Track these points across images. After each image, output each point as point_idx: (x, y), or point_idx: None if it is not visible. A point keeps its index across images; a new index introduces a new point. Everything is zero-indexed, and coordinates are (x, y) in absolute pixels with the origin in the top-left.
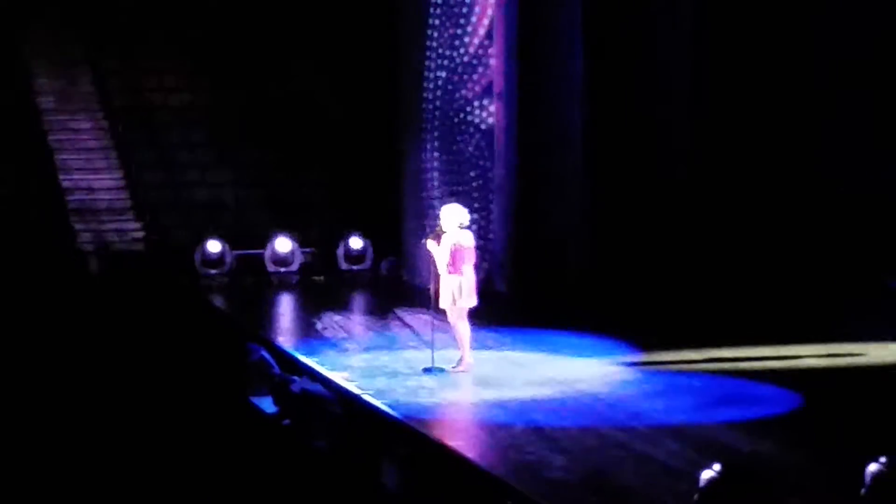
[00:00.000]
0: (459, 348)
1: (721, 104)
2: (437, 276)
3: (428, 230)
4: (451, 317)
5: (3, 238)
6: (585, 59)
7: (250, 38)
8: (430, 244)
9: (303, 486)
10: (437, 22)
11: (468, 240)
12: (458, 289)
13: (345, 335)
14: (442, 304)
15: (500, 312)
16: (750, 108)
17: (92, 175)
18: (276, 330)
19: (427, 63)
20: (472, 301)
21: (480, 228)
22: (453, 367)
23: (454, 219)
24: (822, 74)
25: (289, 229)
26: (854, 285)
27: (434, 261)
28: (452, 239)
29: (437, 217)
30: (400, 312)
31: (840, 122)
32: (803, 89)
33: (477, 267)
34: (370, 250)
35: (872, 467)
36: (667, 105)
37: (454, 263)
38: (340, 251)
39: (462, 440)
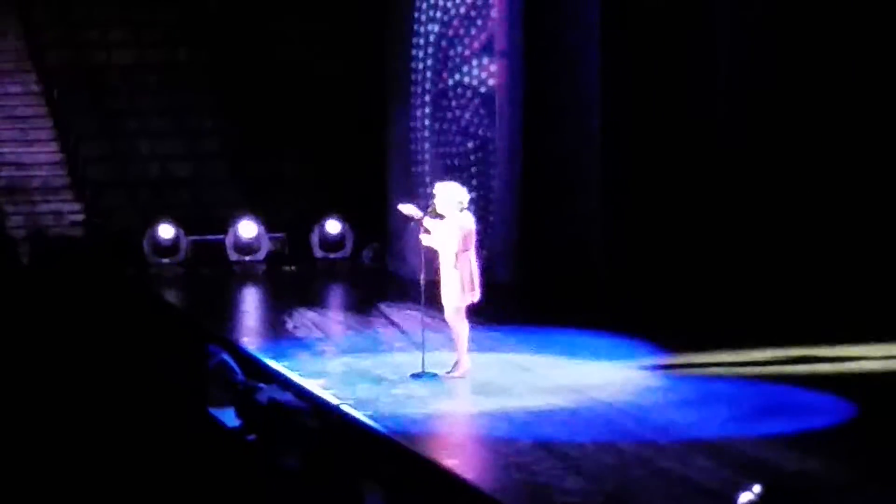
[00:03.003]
0: (455, 350)
1: (761, 70)
2: (429, 266)
3: (412, 210)
4: (448, 314)
5: None
6: (602, 7)
7: None
8: (427, 226)
9: None
10: None
11: (469, 224)
12: (461, 281)
13: (320, 335)
14: (444, 300)
15: (503, 308)
16: (792, 80)
17: (23, 148)
18: (240, 329)
19: (417, 16)
20: (475, 295)
21: (479, 209)
22: (448, 373)
23: (451, 199)
24: (865, 58)
25: (255, 211)
26: None
27: (426, 248)
28: (454, 222)
29: (430, 197)
30: (385, 308)
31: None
32: (851, 68)
33: (477, 254)
34: (350, 236)
35: (745, 497)
36: (704, 57)
37: (465, 250)
38: (315, 237)
39: (458, 458)
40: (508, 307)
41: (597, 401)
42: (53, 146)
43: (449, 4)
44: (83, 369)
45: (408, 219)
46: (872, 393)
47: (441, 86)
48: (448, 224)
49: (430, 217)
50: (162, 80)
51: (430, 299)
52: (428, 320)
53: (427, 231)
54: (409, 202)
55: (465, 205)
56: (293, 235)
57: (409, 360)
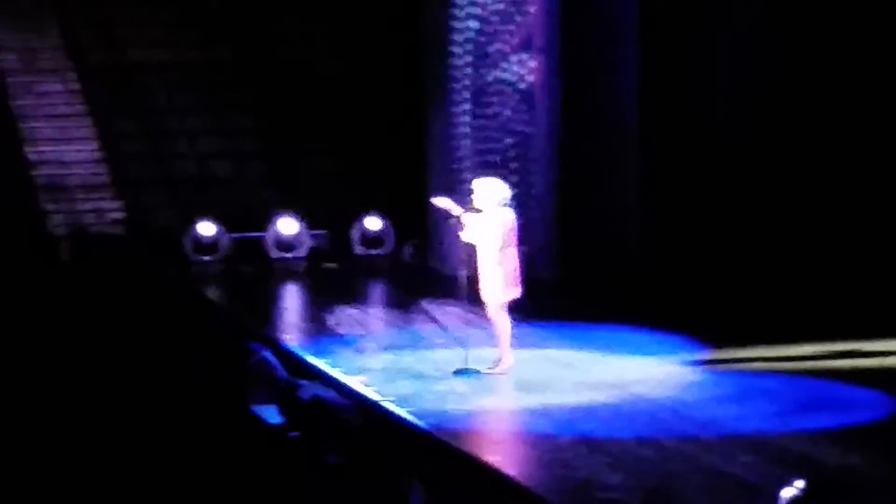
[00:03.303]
0: (497, 346)
1: (797, 70)
2: (471, 262)
3: (448, 204)
4: (491, 310)
5: None
6: (641, 4)
7: None
8: (465, 221)
9: None
10: None
11: (511, 219)
12: (503, 277)
13: (361, 332)
14: (486, 296)
15: (543, 304)
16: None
17: (63, 146)
18: (281, 327)
19: (454, 12)
20: (516, 291)
21: (520, 205)
22: (490, 369)
23: (491, 195)
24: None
25: (295, 208)
26: None
27: (467, 244)
28: (496, 217)
29: (469, 193)
30: (426, 305)
31: None
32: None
33: (517, 250)
34: (390, 232)
35: (787, 493)
36: (746, 52)
37: (507, 246)
38: (355, 234)
39: (500, 454)
40: (549, 303)
41: (638, 396)
42: (93, 144)
43: (487, 0)
44: (124, 367)
45: (443, 213)
46: None
47: (480, 82)
48: (490, 219)
49: (468, 213)
50: (200, 79)
51: (471, 295)
52: (469, 316)
53: (465, 227)
54: (446, 198)
55: (507, 200)
56: (334, 232)
57: (451, 357)
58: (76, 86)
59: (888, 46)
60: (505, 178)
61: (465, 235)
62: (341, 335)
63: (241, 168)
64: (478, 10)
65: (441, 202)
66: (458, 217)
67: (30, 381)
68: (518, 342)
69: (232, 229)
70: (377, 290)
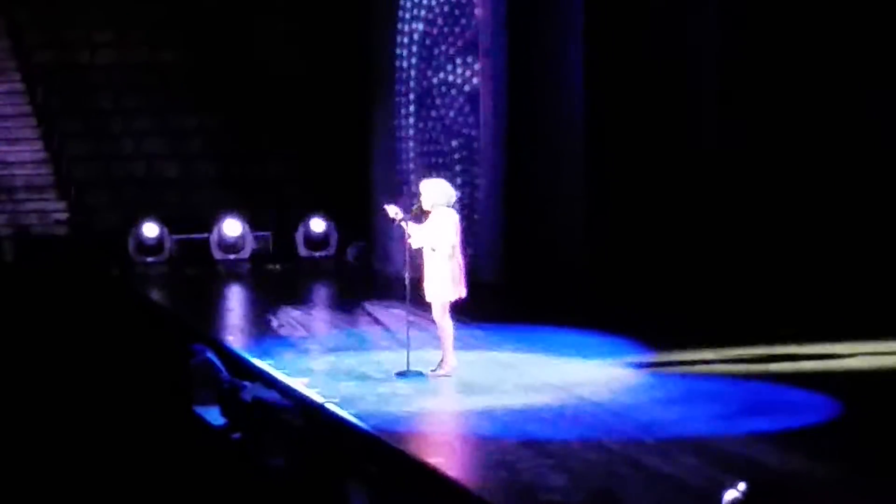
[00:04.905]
0: (441, 348)
1: (746, 70)
2: (414, 263)
3: (402, 207)
4: (436, 310)
5: None
6: (587, 7)
7: None
8: (412, 227)
9: None
10: None
11: (454, 221)
12: (448, 276)
13: (305, 334)
14: (429, 297)
15: (487, 306)
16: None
17: (7, 147)
18: (225, 328)
19: (401, 14)
20: (461, 291)
21: (464, 207)
22: (433, 371)
23: (437, 196)
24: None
25: (239, 210)
26: None
27: (411, 244)
28: (448, 215)
29: (414, 195)
30: (369, 306)
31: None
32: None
33: (462, 252)
34: (334, 234)
35: (729, 495)
36: (686, 58)
37: (455, 245)
38: (299, 235)
39: (443, 456)
40: (493, 305)
41: (582, 399)
42: (38, 145)
43: (433, 3)
44: (66, 368)
45: (393, 220)
46: (857, 391)
47: (425, 84)
48: (438, 220)
49: (415, 215)
50: (146, 79)
51: (414, 297)
52: (413, 318)
53: (412, 232)
54: (393, 201)
55: (452, 202)
56: (278, 234)
57: (394, 359)
58: (20, 86)
59: (847, 39)
60: (449, 181)
61: (414, 241)
62: (285, 337)
63: (186, 169)
64: (423, 12)
65: (391, 210)
66: (403, 221)
67: None
68: (462, 344)
69: (176, 231)
70: (321, 292)
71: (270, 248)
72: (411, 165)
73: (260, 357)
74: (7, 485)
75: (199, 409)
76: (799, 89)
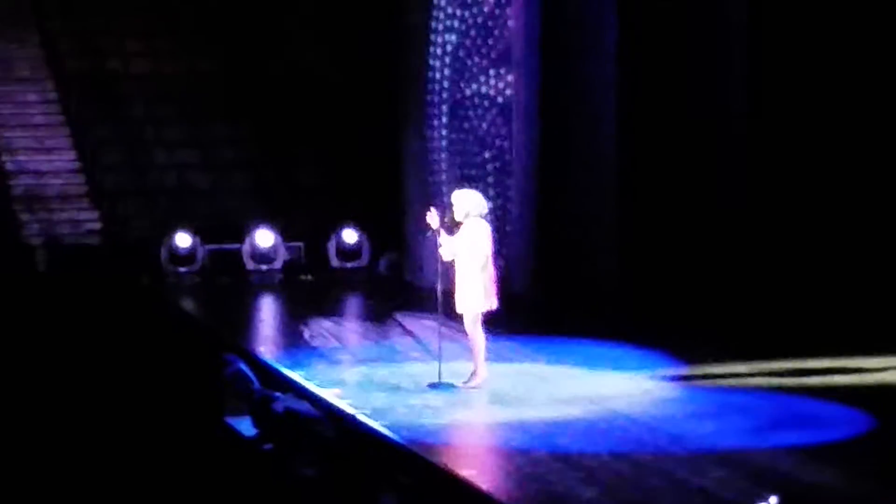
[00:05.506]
0: (472, 360)
1: (780, 86)
2: (447, 274)
3: (435, 220)
4: (468, 322)
5: None
6: (620, 19)
7: None
8: (444, 238)
9: None
10: None
11: (487, 232)
12: (479, 289)
13: (336, 345)
14: (460, 308)
15: (519, 318)
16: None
17: (40, 156)
18: (257, 338)
19: (434, 25)
20: (493, 302)
21: (497, 219)
22: (464, 383)
23: (469, 207)
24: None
25: (272, 220)
26: None
27: (442, 256)
28: (482, 226)
29: (447, 206)
30: (401, 318)
31: None
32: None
33: (493, 263)
34: (366, 245)
35: None
36: (718, 77)
37: (487, 256)
38: (332, 246)
39: (474, 468)
40: (525, 317)
41: (613, 411)
42: (71, 154)
43: (466, 14)
44: (98, 378)
45: (429, 228)
46: (890, 405)
47: (458, 95)
48: (475, 228)
49: (447, 226)
50: (179, 89)
51: (446, 309)
52: (444, 330)
53: (443, 243)
54: (426, 211)
55: (484, 213)
56: (310, 245)
57: (426, 370)
58: (54, 95)
59: (879, 90)
60: (482, 192)
61: (446, 253)
62: (316, 347)
63: (218, 179)
64: (456, 24)
65: (431, 218)
66: (437, 231)
67: (4, 390)
68: (493, 356)
69: (208, 241)
70: (353, 303)
71: (302, 258)
72: (444, 177)
73: (292, 368)
74: (40, 491)
75: (231, 420)
76: (829, 104)
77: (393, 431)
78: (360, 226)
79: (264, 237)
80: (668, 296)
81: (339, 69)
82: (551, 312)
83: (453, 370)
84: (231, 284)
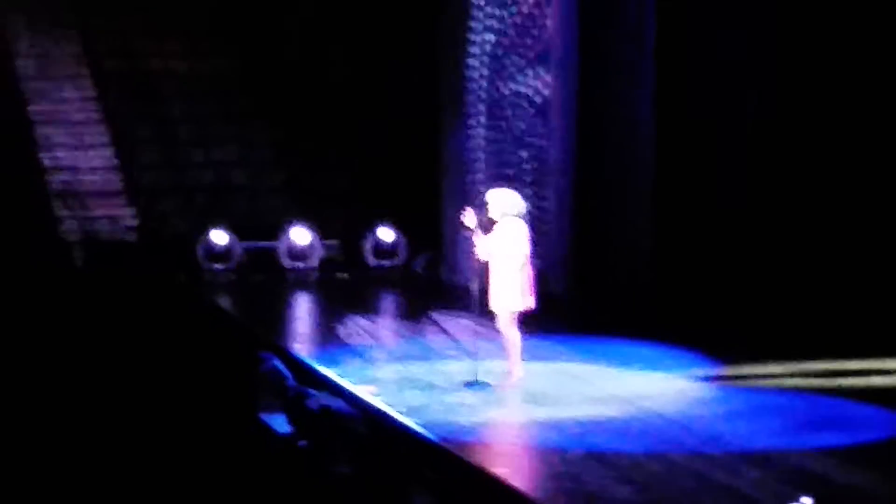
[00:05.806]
0: (507, 359)
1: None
2: (482, 273)
3: (472, 219)
4: (502, 321)
5: None
6: (658, 20)
7: None
8: (479, 238)
9: None
10: None
11: (524, 232)
12: (515, 288)
13: (372, 342)
14: (495, 307)
15: (555, 317)
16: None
17: (78, 153)
18: (292, 336)
19: (472, 25)
20: (529, 302)
21: (534, 218)
22: (499, 381)
23: (505, 206)
24: None
25: (308, 218)
26: None
27: (479, 253)
28: (520, 224)
29: (483, 205)
30: (437, 316)
31: None
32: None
33: (530, 262)
34: (403, 244)
35: None
36: (753, 70)
37: (524, 257)
38: (368, 244)
39: (509, 466)
40: (561, 317)
41: (648, 411)
42: (108, 151)
43: (504, 14)
44: (134, 374)
45: (466, 227)
46: None
47: (496, 95)
48: (512, 227)
49: (483, 225)
50: (216, 87)
51: (482, 307)
52: (480, 329)
53: (478, 243)
54: (464, 211)
55: (522, 212)
56: (346, 243)
57: (461, 368)
58: (92, 92)
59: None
60: (519, 192)
61: (482, 252)
62: (352, 345)
63: (255, 177)
64: (495, 23)
65: (468, 217)
66: (474, 230)
67: (41, 386)
68: (528, 355)
69: (245, 238)
70: (389, 301)
71: (339, 256)
72: (480, 176)
73: (327, 365)
74: (77, 486)
75: (266, 417)
76: (851, 116)
77: (427, 429)
78: (396, 224)
79: (301, 235)
80: (704, 296)
81: (377, 67)
82: (587, 312)
83: (488, 369)
84: (267, 282)
